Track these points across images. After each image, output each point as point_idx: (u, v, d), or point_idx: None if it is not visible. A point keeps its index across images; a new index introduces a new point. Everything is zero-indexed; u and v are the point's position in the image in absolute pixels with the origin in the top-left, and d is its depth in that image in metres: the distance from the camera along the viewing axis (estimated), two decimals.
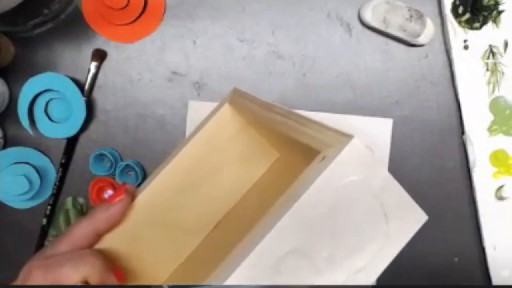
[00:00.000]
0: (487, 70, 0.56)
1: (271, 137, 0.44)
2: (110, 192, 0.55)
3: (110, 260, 0.38)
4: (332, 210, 0.30)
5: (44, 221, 0.55)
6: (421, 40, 0.55)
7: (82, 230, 0.37)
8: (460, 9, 0.55)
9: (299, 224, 0.30)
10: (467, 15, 0.55)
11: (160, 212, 0.42)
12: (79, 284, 0.33)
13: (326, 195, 0.30)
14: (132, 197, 0.39)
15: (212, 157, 0.44)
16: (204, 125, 0.44)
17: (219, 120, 0.44)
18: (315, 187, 0.29)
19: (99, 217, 0.37)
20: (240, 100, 0.43)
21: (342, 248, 0.31)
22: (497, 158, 0.56)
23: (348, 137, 0.30)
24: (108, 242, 0.39)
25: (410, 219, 0.33)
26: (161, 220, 0.42)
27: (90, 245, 0.37)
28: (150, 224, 0.42)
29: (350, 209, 0.31)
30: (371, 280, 0.32)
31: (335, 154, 0.30)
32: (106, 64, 0.56)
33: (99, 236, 0.38)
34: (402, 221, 0.33)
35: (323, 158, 0.31)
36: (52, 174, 0.56)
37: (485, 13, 0.55)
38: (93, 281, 0.34)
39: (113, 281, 0.35)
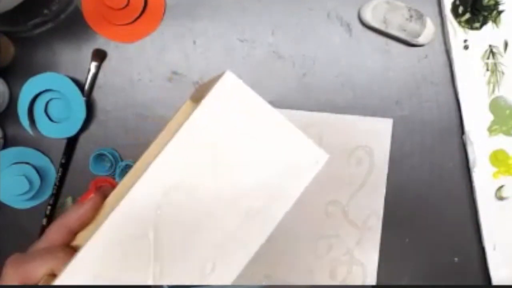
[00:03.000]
0: (487, 70, 0.56)
1: None
2: None
3: None
4: (213, 146, 0.29)
5: (44, 221, 0.55)
6: (421, 40, 0.55)
7: (56, 228, 0.38)
8: (460, 9, 0.55)
9: (178, 161, 0.29)
10: (467, 15, 0.55)
11: None
12: (45, 276, 0.35)
13: (204, 130, 0.29)
14: (104, 196, 0.41)
15: None
16: (167, 125, 0.44)
17: (181, 118, 0.44)
18: (190, 123, 0.29)
19: (72, 216, 0.39)
20: (201, 95, 0.43)
21: (230, 187, 0.29)
22: (497, 158, 0.56)
23: (223, 73, 0.29)
24: (82, 239, 0.40)
25: (308, 158, 0.30)
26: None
27: (65, 243, 0.39)
28: None
29: (234, 145, 0.29)
30: (272, 225, 0.30)
31: (210, 90, 0.29)
32: (106, 64, 0.56)
33: (73, 234, 0.39)
34: (299, 160, 0.30)
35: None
36: (52, 174, 0.56)
37: (485, 13, 0.55)
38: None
39: None
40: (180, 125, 0.41)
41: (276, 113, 0.29)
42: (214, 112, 0.29)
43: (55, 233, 0.38)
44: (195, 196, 0.29)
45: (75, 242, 0.39)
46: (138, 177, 0.41)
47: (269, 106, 0.30)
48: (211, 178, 0.29)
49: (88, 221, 0.39)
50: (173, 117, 0.44)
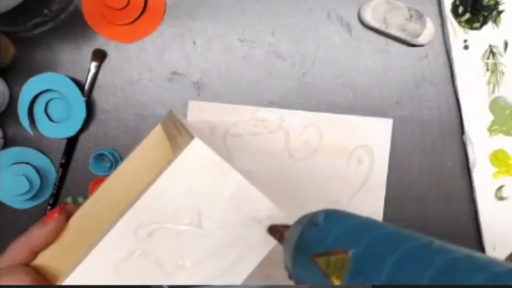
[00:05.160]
0: (487, 70, 0.56)
1: None
2: None
3: (45, 277, 0.39)
4: (177, 213, 0.29)
5: None
6: (421, 40, 0.55)
7: (19, 247, 0.38)
8: (460, 9, 0.55)
9: (138, 227, 0.29)
10: (467, 15, 0.55)
11: (95, 230, 0.43)
12: None
13: (169, 197, 0.29)
14: (68, 215, 0.41)
15: (146, 177, 0.45)
16: (137, 146, 0.45)
17: (151, 141, 0.45)
18: (153, 190, 0.29)
19: (35, 234, 0.38)
20: (169, 123, 0.44)
21: (192, 254, 0.30)
22: (497, 158, 0.56)
23: (191, 138, 0.29)
24: (45, 259, 0.40)
25: (266, 214, 0.31)
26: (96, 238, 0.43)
27: (28, 261, 0.39)
28: (86, 242, 0.42)
29: (199, 213, 0.30)
30: (243, 277, 0.31)
31: (177, 155, 0.29)
32: (106, 64, 0.56)
33: (35, 253, 0.39)
34: (258, 216, 0.31)
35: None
36: (52, 174, 0.56)
37: (485, 13, 0.55)
38: None
39: None
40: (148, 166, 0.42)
41: (238, 175, 0.30)
42: (177, 178, 0.29)
43: (17, 252, 0.38)
44: (156, 261, 0.30)
45: (36, 262, 0.39)
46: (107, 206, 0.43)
47: (234, 172, 0.30)
48: (174, 244, 0.30)
49: (51, 241, 0.39)
50: (142, 141, 0.45)
